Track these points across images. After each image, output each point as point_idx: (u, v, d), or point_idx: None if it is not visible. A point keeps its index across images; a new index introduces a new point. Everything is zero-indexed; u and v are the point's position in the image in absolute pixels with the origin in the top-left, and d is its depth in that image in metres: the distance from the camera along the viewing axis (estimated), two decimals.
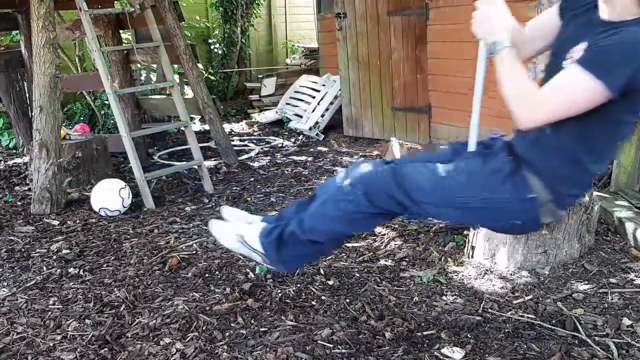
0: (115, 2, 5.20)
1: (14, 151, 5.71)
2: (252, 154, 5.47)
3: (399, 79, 5.57)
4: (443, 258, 2.87)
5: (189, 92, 6.51)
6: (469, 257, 2.85)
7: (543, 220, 1.92)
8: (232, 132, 6.63)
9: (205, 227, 3.46)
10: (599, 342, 2.13)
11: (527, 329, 2.23)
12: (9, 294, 2.67)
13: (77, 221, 3.62)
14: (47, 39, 3.73)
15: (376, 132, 5.88)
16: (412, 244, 3.06)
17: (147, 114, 5.53)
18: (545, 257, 2.71)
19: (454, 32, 4.79)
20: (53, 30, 3.77)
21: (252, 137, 6.40)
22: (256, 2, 8.82)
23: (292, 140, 6.13)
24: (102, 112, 6.14)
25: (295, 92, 6.86)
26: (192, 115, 5.82)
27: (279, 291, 2.57)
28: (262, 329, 2.28)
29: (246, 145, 5.90)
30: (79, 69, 6.31)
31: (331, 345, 2.15)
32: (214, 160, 5.14)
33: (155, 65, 6.41)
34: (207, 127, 5.44)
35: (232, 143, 5.43)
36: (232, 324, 2.32)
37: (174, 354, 2.13)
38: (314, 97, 6.56)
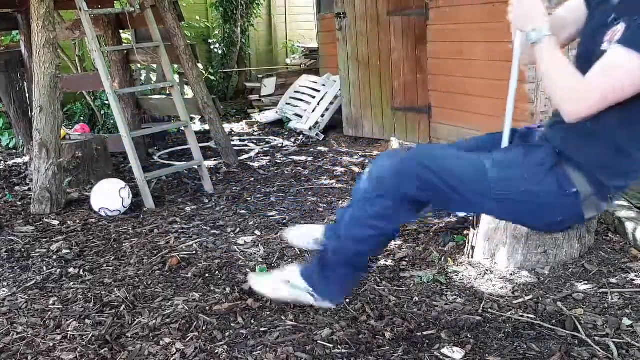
0: (115, 2, 5.20)
1: (14, 151, 5.71)
2: (252, 154, 5.47)
3: (399, 79, 5.56)
4: (443, 258, 2.87)
5: (189, 92, 6.51)
6: (469, 257, 2.85)
7: (587, 215, 1.83)
8: (232, 132, 6.64)
9: (205, 227, 3.46)
10: (599, 342, 2.13)
11: (527, 329, 2.23)
12: (9, 294, 2.67)
13: (77, 221, 3.62)
14: (47, 39, 3.73)
15: (376, 132, 5.88)
16: (412, 244, 3.06)
17: (147, 114, 5.53)
18: (545, 257, 2.71)
19: (454, 32, 4.79)
20: (53, 30, 3.78)
21: (252, 137, 6.40)
22: (256, 2, 8.82)
23: (292, 140, 6.13)
24: (102, 112, 6.14)
25: (295, 92, 6.86)
26: (192, 115, 5.83)
27: None
28: (262, 329, 2.28)
29: (246, 145, 5.90)
30: (79, 69, 6.31)
31: (331, 345, 2.15)
32: (214, 160, 5.14)
33: (155, 65, 6.42)
34: (207, 127, 5.44)
35: (232, 143, 5.43)
36: (232, 324, 2.32)
37: (174, 354, 2.13)
38: (314, 97, 6.56)
